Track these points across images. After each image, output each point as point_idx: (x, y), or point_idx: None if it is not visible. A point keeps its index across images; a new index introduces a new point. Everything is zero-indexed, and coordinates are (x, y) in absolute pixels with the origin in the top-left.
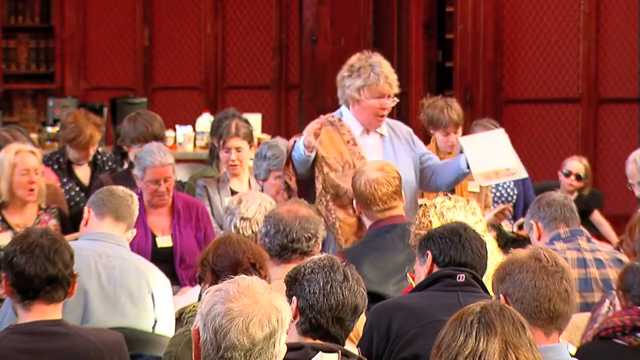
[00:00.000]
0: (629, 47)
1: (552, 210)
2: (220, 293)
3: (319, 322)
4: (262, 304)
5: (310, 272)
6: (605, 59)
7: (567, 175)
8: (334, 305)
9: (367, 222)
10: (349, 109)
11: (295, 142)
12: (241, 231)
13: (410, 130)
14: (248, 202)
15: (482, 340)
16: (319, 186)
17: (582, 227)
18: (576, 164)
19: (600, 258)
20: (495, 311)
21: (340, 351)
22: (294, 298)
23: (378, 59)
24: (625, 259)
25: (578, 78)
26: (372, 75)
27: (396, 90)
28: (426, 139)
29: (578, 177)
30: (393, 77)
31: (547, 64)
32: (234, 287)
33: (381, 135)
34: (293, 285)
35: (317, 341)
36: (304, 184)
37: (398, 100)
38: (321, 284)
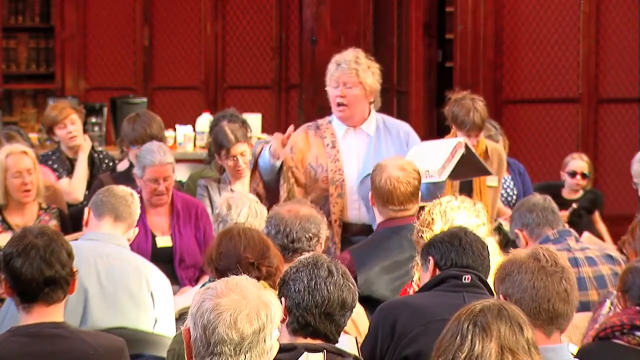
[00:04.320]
0: (629, 47)
1: (534, 216)
2: (208, 291)
3: (306, 319)
4: (250, 299)
5: (295, 272)
6: (605, 59)
7: (573, 175)
8: (319, 301)
9: (378, 218)
10: None
11: (262, 148)
12: None
13: (410, 131)
14: (238, 206)
15: (477, 344)
16: (283, 194)
17: (568, 228)
18: (579, 163)
19: (591, 256)
20: (492, 313)
21: (325, 350)
22: (283, 299)
23: (349, 51)
24: (615, 253)
25: (578, 78)
26: (330, 65)
27: (356, 79)
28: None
29: (584, 176)
30: (350, 65)
31: (547, 64)
32: (222, 284)
33: (367, 134)
34: (282, 286)
35: (308, 340)
36: (273, 190)
37: (353, 89)
38: (305, 282)
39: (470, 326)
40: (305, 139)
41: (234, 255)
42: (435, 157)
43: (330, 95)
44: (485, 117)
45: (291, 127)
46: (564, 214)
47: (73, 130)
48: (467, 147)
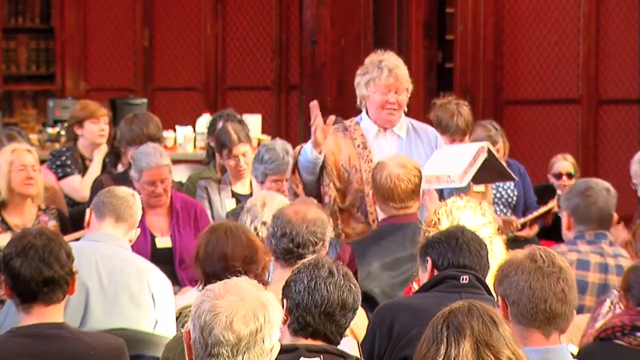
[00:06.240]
0: (629, 48)
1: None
2: (207, 292)
3: (306, 319)
4: (248, 301)
5: (296, 273)
6: (605, 60)
7: (559, 176)
8: (319, 301)
9: (380, 215)
10: (366, 111)
11: (302, 147)
12: (260, 235)
13: (438, 135)
14: (273, 207)
15: (453, 345)
16: (332, 193)
17: (606, 232)
18: (563, 164)
19: (622, 265)
20: (462, 312)
21: (321, 356)
22: (285, 300)
23: (388, 55)
24: None
25: (578, 79)
26: (376, 69)
27: (405, 85)
28: None
29: (569, 175)
30: (400, 71)
31: (547, 64)
32: (221, 286)
33: (399, 136)
34: (284, 288)
35: (309, 341)
36: (311, 192)
37: (409, 96)
38: (305, 282)
39: (443, 329)
40: (335, 141)
41: (221, 260)
42: (457, 161)
43: (374, 100)
44: (470, 121)
45: (332, 117)
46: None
47: (105, 128)
48: (489, 151)
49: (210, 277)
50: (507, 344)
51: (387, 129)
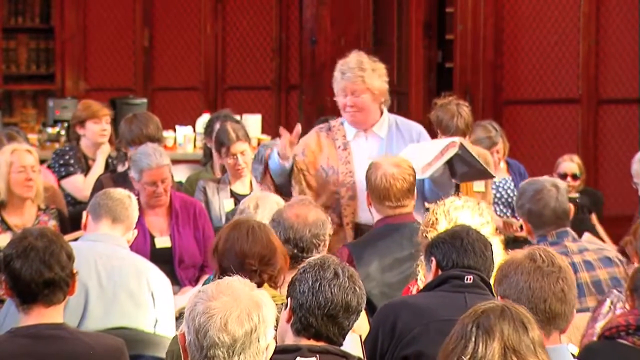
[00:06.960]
0: (629, 48)
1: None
2: (200, 294)
3: (309, 320)
4: (242, 301)
5: (302, 273)
6: (605, 60)
7: (563, 177)
8: (322, 303)
9: (376, 216)
10: None
11: (271, 150)
12: None
13: (422, 131)
14: (265, 208)
15: (481, 345)
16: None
17: (567, 229)
18: (569, 165)
19: (589, 259)
20: (495, 314)
21: (317, 355)
22: (289, 300)
23: (354, 56)
24: (613, 254)
25: (578, 79)
26: (335, 74)
27: (363, 86)
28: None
29: (574, 177)
30: (356, 73)
31: (547, 64)
32: (214, 287)
33: (380, 137)
34: (289, 287)
35: (312, 341)
36: (286, 193)
37: (378, 94)
38: (310, 283)
39: (473, 328)
40: (317, 140)
41: (239, 256)
42: (425, 155)
43: (339, 103)
44: (470, 123)
45: (298, 126)
46: None
47: (107, 128)
48: (463, 147)
49: (225, 271)
50: (534, 352)
51: (367, 129)
